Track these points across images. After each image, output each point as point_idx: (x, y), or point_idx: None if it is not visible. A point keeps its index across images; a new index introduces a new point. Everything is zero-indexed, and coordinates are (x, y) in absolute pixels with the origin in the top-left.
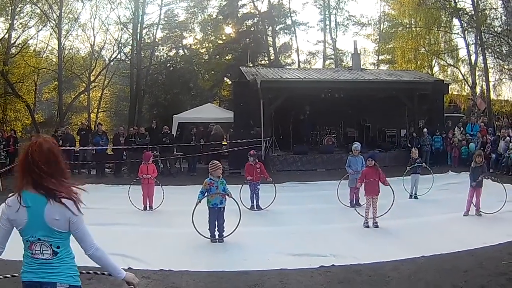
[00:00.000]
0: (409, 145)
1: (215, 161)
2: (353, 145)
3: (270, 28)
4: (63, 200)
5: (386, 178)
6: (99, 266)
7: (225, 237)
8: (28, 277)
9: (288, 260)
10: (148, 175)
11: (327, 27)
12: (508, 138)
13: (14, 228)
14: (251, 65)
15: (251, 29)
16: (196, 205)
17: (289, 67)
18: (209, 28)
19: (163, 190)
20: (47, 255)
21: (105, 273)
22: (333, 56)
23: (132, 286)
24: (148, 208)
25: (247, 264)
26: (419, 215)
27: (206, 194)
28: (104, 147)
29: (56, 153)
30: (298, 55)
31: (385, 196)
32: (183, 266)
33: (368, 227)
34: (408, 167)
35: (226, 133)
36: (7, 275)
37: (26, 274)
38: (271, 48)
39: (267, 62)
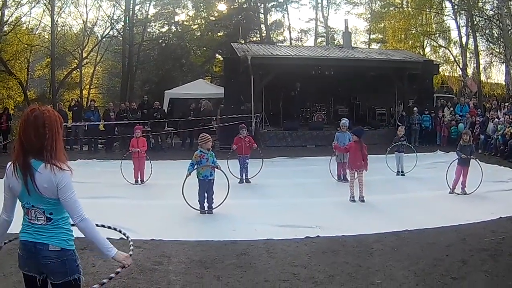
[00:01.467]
0: (399, 123)
1: (206, 134)
2: (341, 121)
3: (262, 5)
4: (51, 167)
5: (368, 157)
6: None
7: (214, 208)
8: (24, 237)
9: (275, 230)
10: (137, 149)
11: (319, 5)
12: (496, 120)
13: None
14: (243, 41)
15: (243, 6)
16: (186, 177)
17: (281, 44)
18: (201, 4)
19: (151, 164)
20: (41, 221)
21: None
22: (324, 34)
23: (122, 267)
24: (139, 181)
25: (235, 234)
26: (405, 191)
27: (196, 167)
28: (96, 123)
29: (48, 125)
30: (290, 33)
31: (370, 173)
32: (173, 236)
33: (354, 201)
34: (389, 147)
35: (216, 108)
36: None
37: (23, 234)
38: (263, 25)
39: (259, 39)
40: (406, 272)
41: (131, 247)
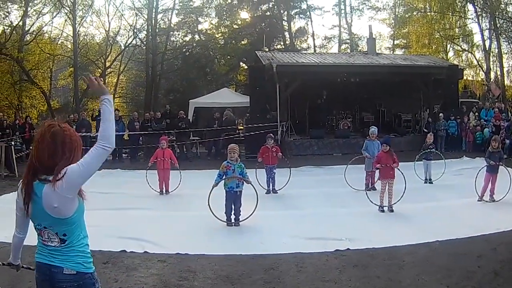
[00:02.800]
0: (425, 130)
1: (233, 144)
2: (370, 129)
3: (286, 12)
4: (53, 184)
5: (399, 163)
6: (115, 251)
7: (241, 221)
8: (39, 258)
9: (304, 243)
10: (175, 163)
11: (342, 11)
12: None
13: None
14: (267, 49)
15: (267, 13)
16: (213, 188)
17: (305, 51)
18: (224, 13)
19: (180, 174)
20: (55, 242)
21: None
22: (348, 41)
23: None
24: (164, 192)
25: (263, 247)
26: (434, 199)
27: (223, 177)
28: (120, 133)
29: (69, 144)
30: (313, 40)
31: (399, 182)
32: (199, 250)
33: (383, 211)
34: (418, 154)
35: (242, 117)
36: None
37: (38, 255)
38: (286, 33)
39: (283, 46)
40: (438, 286)
41: None
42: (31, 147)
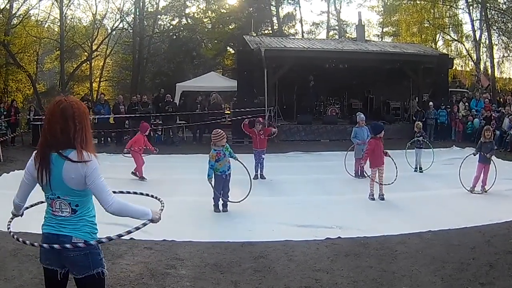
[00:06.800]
0: (414, 118)
1: (219, 130)
2: (359, 116)
3: None
4: (79, 156)
5: (388, 151)
6: (101, 237)
7: (240, 201)
8: (47, 229)
9: (293, 231)
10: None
11: None
12: None
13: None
14: (255, 34)
15: None
16: (210, 182)
17: (293, 37)
18: None
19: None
20: (66, 212)
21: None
22: (337, 27)
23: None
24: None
25: (252, 234)
26: (424, 189)
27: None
28: (106, 116)
29: (78, 117)
30: (302, 26)
31: (389, 169)
32: (186, 237)
33: (373, 199)
34: (409, 142)
35: (229, 102)
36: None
37: (46, 227)
38: (274, 18)
39: (271, 32)
40: (433, 278)
41: (162, 205)
42: (16, 132)
